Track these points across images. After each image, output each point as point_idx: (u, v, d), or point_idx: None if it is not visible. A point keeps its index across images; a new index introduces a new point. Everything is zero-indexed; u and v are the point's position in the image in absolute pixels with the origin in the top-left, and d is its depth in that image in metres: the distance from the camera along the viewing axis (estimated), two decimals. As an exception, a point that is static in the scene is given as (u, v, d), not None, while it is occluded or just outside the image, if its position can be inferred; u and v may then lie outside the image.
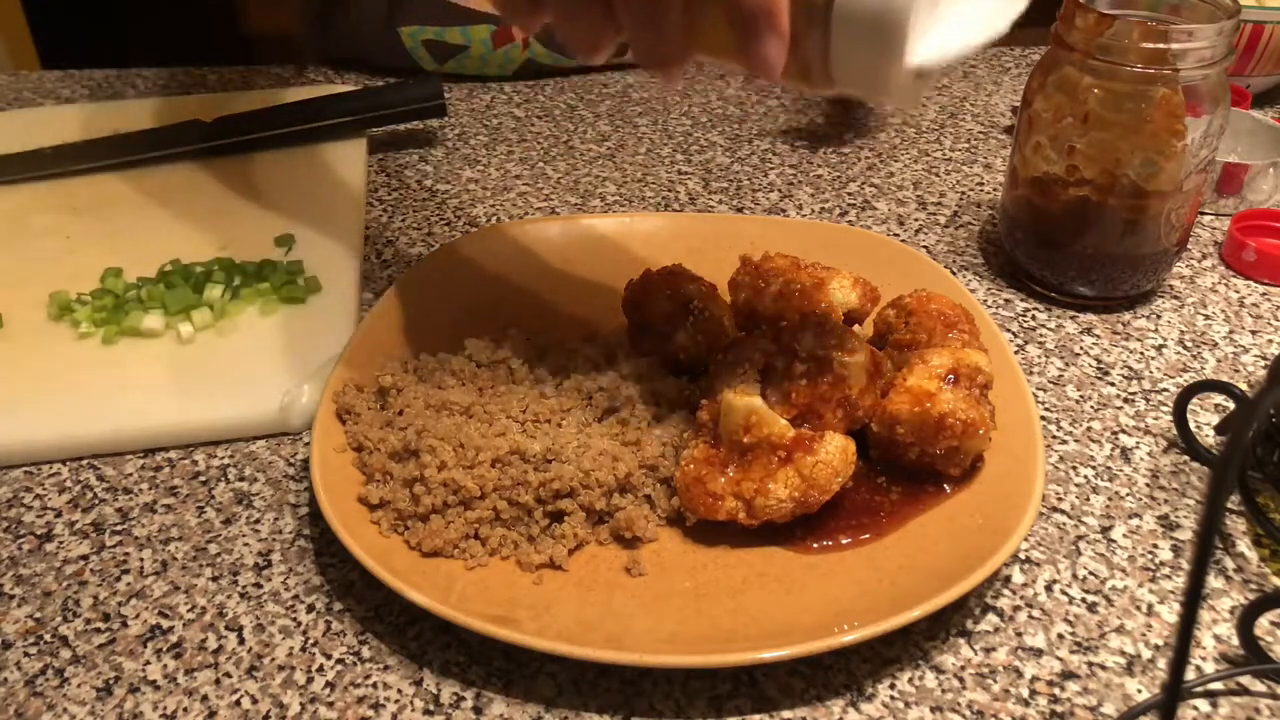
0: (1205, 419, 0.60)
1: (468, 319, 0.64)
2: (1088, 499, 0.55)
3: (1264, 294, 0.71)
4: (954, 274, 0.69)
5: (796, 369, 0.52)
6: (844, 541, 0.50)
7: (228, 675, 0.46)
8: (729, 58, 0.45)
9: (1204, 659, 0.47)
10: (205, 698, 0.45)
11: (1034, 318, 0.69)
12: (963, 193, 0.83)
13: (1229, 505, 0.54)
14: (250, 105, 0.88)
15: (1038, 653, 0.47)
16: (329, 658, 0.47)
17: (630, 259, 0.67)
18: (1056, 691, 0.45)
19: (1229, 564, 0.51)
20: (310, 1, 1.10)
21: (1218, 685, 0.45)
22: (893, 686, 0.46)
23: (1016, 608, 0.49)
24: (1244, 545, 0.52)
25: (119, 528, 0.54)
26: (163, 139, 0.84)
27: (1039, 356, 0.65)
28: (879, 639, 0.47)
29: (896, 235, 0.77)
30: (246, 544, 0.53)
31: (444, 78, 1.02)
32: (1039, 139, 0.66)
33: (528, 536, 0.50)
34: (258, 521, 0.54)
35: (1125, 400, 0.62)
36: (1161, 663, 0.47)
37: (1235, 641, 0.47)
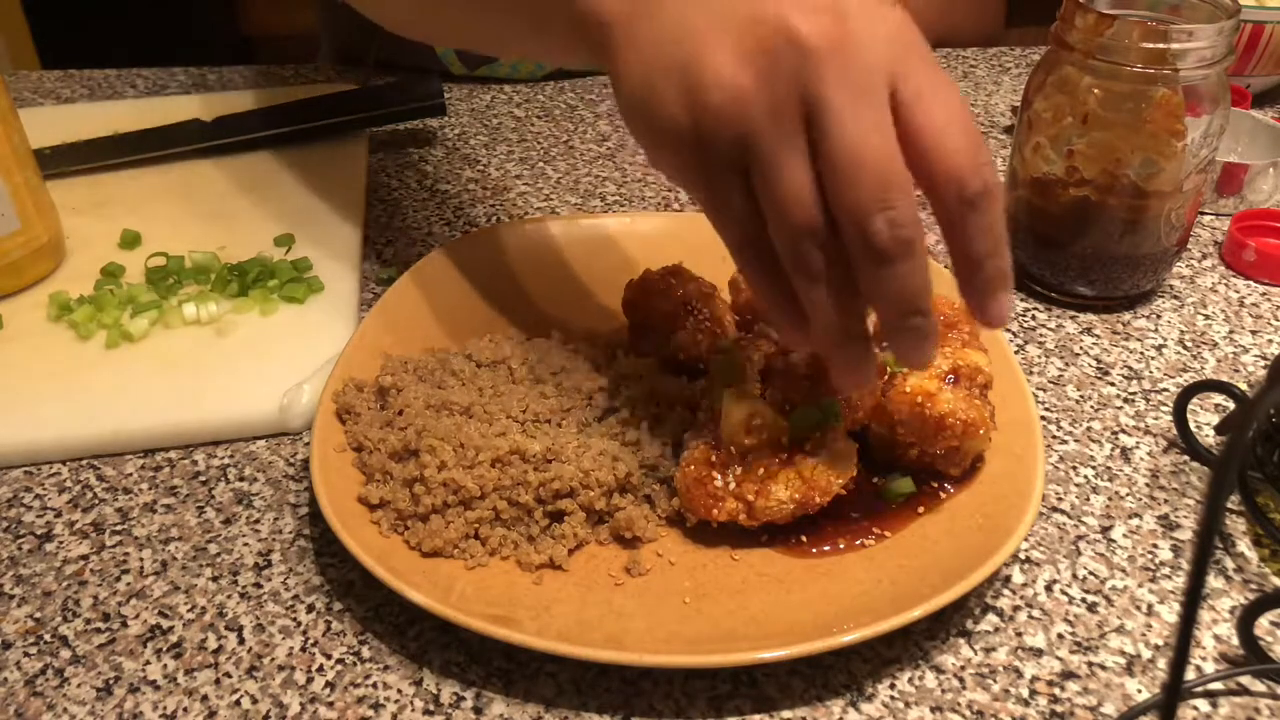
0: (1205, 419, 0.60)
1: (468, 319, 0.64)
2: (1088, 499, 0.55)
3: (1264, 294, 0.71)
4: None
5: (797, 369, 0.52)
6: (841, 546, 0.50)
7: (228, 675, 0.46)
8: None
9: (1204, 659, 0.47)
10: (205, 698, 0.45)
11: (1034, 318, 0.69)
12: (963, 193, 0.82)
13: (1229, 505, 0.54)
14: (250, 105, 0.88)
15: (1038, 653, 0.47)
16: (329, 658, 0.47)
17: (630, 259, 0.67)
18: (1056, 691, 0.45)
19: (1229, 564, 0.51)
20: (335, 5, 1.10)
21: (1218, 685, 0.45)
22: (893, 686, 0.46)
23: (1016, 608, 0.49)
24: (1244, 545, 0.52)
25: (119, 528, 0.54)
26: (163, 139, 0.84)
27: (1039, 356, 0.65)
28: (879, 639, 0.46)
29: (896, 235, 0.77)
30: (246, 544, 0.53)
31: (458, 79, 1.02)
32: (1039, 139, 0.66)
33: (528, 536, 0.50)
34: (258, 521, 0.54)
35: (1125, 400, 0.62)
36: (1161, 663, 0.47)
37: (1235, 641, 0.47)
